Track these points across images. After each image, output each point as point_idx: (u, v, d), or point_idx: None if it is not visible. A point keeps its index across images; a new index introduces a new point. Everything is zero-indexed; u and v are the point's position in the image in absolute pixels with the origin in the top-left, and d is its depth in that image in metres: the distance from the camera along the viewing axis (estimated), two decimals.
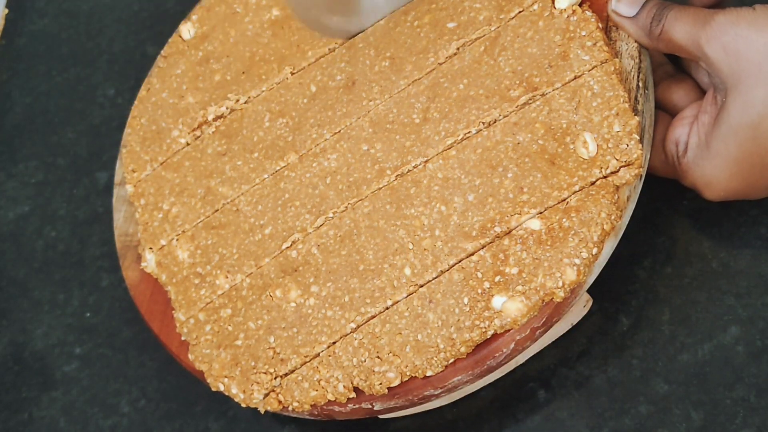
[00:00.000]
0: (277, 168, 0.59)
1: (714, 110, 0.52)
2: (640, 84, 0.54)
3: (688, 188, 0.56)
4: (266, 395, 0.53)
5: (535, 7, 0.56)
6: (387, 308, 0.52)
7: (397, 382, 0.51)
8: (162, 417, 0.63)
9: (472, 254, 0.52)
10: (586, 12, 0.55)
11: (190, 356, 0.56)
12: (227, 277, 0.57)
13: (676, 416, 0.55)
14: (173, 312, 0.58)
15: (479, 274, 0.51)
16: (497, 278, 0.51)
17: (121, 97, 0.77)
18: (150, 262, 0.60)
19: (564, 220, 0.51)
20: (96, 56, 0.80)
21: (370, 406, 0.52)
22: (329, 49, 0.61)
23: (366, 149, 0.57)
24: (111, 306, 0.68)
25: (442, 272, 0.52)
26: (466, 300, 0.51)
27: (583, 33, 0.54)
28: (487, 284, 0.51)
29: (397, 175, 0.55)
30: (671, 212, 0.60)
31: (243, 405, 0.54)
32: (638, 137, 0.51)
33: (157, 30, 0.80)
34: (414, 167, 0.55)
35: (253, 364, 0.54)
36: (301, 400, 0.52)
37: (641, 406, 0.55)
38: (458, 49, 0.57)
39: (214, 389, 0.55)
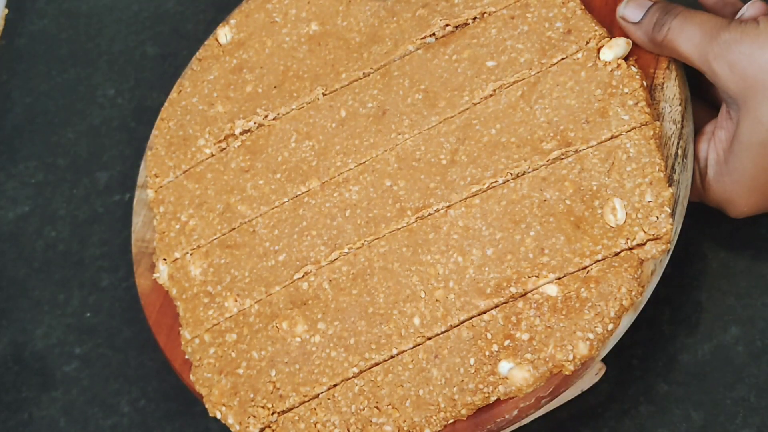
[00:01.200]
0: (298, 193, 0.58)
1: (729, 125, 0.51)
2: (679, 152, 0.52)
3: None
4: (261, 430, 0.53)
5: (579, 55, 0.55)
6: (392, 357, 0.52)
7: None
8: (162, 417, 0.63)
9: (484, 312, 0.51)
10: (632, 67, 0.54)
11: (191, 377, 0.56)
12: (236, 301, 0.56)
13: (676, 416, 0.55)
14: (180, 328, 0.58)
15: (489, 335, 0.50)
16: (507, 342, 0.49)
17: (121, 97, 0.77)
18: (163, 273, 0.60)
19: (582, 289, 0.49)
20: (96, 56, 0.80)
21: None
22: (363, 74, 0.60)
23: (389, 185, 0.56)
24: (111, 306, 0.68)
25: (452, 327, 0.51)
26: (472, 360, 0.50)
27: (626, 90, 0.53)
28: (495, 347, 0.50)
29: (417, 218, 0.54)
30: None
31: None
32: (670, 210, 0.50)
33: (156, 30, 0.80)
34: (435, 211, 0.54)
35: (251, 395, 0.53)
36: None
37: (641, 406, 0.55)
38: (495, 90, 0.56)
39: (211, 415, 0.54)
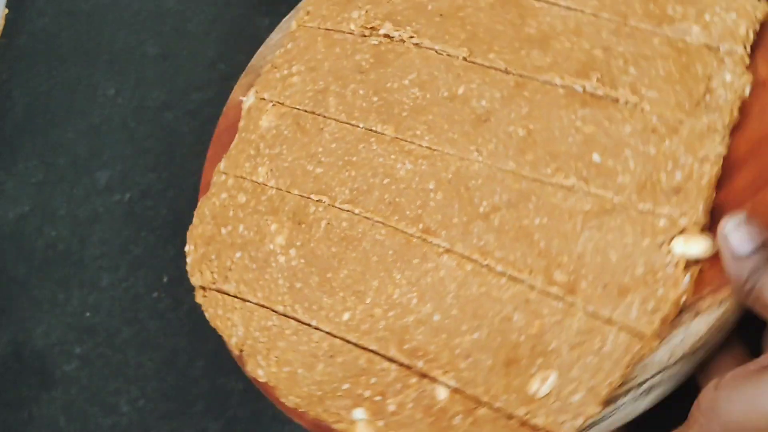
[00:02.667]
0: (373, 128, 0.58)
1: None
2: (645, 385, 0.47)
3: None
4: (200, 287, 0.57)
5: (662, 222, 0.49)
6: (309, 325, 0.53)
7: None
8: (161, 417, 0.63)
9: (388, 359, 0.52)
10: (687, 276, 0.47)
11: (200, 201, 0.60)
12: (267, 174, 0.59)
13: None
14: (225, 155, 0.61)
15: (373, 380, 0.52)
16: (377, 398, 0.51)
17: (121, 96, 0.78)
18: (247, 102, 0.62)
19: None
20: (96, 56, 0.80)
21: None
22: (506, 69, 0.56)
23: (429, 188, 0.54)
24: (110, 306, 0.68)
25: (361, 347, 0.52)
26: (346, 386, 0.53)
27: (660, 291, 0.47)
28: (368, 392, 0.52)
29: (421, 236, 0.53)
30: None
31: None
32: (581, 423, 0.47)
33: (157, 29, 0.80)
34: (436, 245, 0.53)
35: (213, 257, 0.57)
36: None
37: None
38: (573, 188, 0.51)
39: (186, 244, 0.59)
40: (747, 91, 0.51)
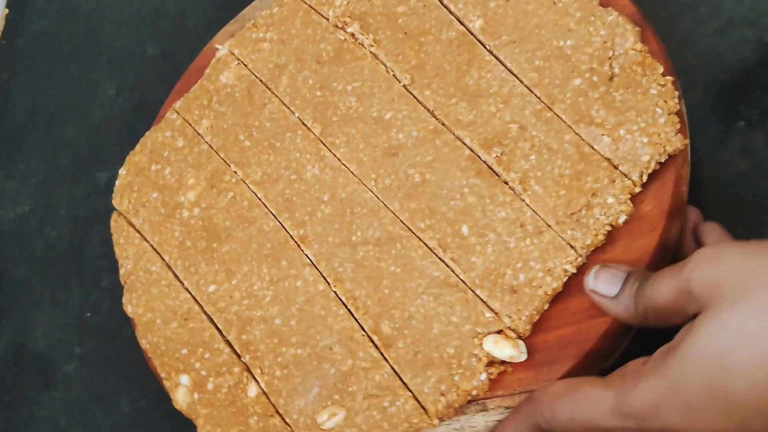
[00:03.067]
0: (304, 121, 0.59)
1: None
2: None
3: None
4: (124, 211, 0.62)
5: (488, 315, 0.50)
6: (170, 269, 0.59)
7: None
8: (162, 417, 0.63)
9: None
10: (485, 374, 0.49)
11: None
12: (208, 128, 0.61)
13: None
14: (184, 97, 0.64)
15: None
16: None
17: (121, 96, 0.78)
18: (219, 53, 0.64)
19: None
20: (96, 55, 0.80)
21: None
22: (431, 111, 0.56)
23: (324, 199, 0.56)
24: (111, 305, 0.69)
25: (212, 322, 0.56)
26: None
27: (442, 387, 0.50)
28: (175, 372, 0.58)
29: (295, 241, 0.55)
30: None
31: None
32: None
33: (157, 29, 0.80)
34: (305, 255, 0.55)
35: (135, 188, 0.62)
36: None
37: None
38: (430, 251, 0.53)
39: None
40: (621, 219, 0.50)
